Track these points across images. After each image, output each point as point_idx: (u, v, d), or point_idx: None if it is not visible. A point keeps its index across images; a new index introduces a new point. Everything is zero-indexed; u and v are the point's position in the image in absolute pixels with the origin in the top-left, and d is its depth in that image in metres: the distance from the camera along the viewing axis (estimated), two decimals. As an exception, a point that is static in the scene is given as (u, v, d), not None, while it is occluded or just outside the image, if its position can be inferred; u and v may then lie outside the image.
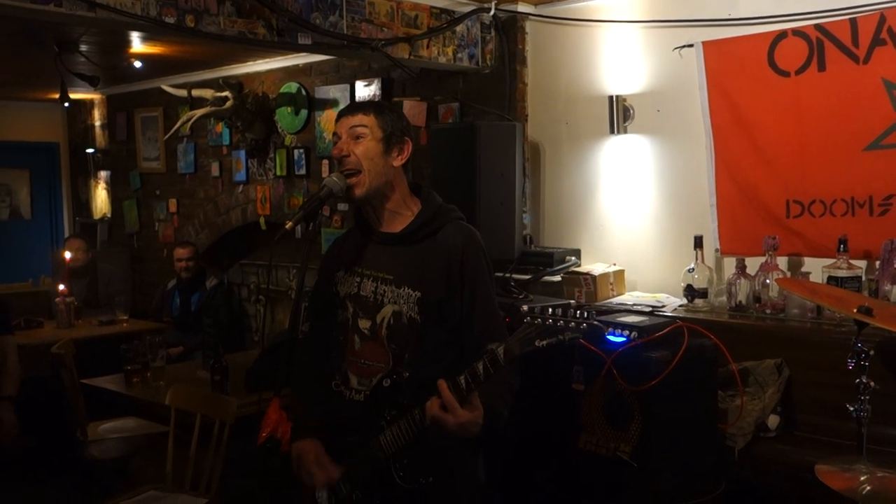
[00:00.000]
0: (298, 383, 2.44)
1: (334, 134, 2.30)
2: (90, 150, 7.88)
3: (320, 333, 2.41)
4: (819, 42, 3.44)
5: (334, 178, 2.34)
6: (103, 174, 7.84)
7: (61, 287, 5.82)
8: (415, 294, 2.20)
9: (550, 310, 1.88)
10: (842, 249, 3.25)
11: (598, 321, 1.89)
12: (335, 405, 2.30)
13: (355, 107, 2.30)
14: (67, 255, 6.21)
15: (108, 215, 7.77)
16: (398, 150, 2.26)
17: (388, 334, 2.21)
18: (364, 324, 2.25)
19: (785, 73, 3.55)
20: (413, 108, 4.89)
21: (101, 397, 4.26)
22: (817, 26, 3.44)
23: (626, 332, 2.96)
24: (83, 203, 8.18)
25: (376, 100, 2.29)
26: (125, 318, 5.91)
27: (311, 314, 2.50)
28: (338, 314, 2.33)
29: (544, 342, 1.87)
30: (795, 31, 3.50)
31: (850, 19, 3.36)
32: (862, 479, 2.23)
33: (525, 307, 1.95)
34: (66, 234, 7.78)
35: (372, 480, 2.19)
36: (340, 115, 2.29)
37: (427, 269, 2.21)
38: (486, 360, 1.95)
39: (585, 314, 1.86)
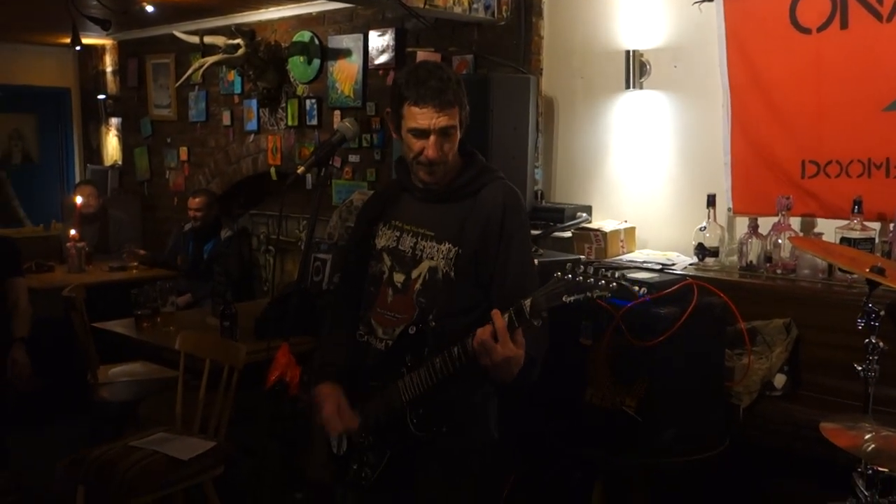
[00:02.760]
0: (326, 330, 2.46)
1: (410, 129, 2.15)
2: (101, 97, 7.85)
3: (352, 284, 2.42)
4: (843, -1, 3.37)
5: (347, 125, 2.33)
6: (114, 121, 7.82)
7: (72, 232, 5.84)
8: (454, 249, 2.20)
9: (582, 266, 1.86)
10: (856, 210, 3.23)
11: (627, 282, 1.86)
12: (359, 354, 2.33)
13: (444, 100, 2.12)
14: (78, 200, 6.22)
15: (119, 162, 7.77)
16: (465, 125, 2.24)
17: (421, 289, 2.22)
18: (398, 277, 2.26)
19: (806, 31, 3.48)
20: (427, 59, 4.84)
21: (112, 341, 4.30)
22: (842, -18, 3.37)
23: (636, 288, 2.95)
24: (94, 149, 8.17)
25: (444, 75, 2.14)
26: (141, 254, 5.97)
27: (345, 265, 2.51)
28: (372, 266, 2.34)
29: (571, 298, 1.86)
30: (819, -13, 3.43)
31: (875, -24, 3.29)
32: (867, 437, 2.24)
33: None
34: (77, 180, 7.78)
35: (386, 426, 2.22)
36: (422, 102, 2.11)
37: (468, 226, 2.21)
38: (513, 311, 1.95)
39: (615, 273, 1.85)
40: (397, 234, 2.30)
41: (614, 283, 1.84)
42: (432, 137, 2.15)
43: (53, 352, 4.78)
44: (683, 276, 3.20)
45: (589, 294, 1.85)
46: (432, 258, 2.22)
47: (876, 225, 3.31)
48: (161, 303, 4.21)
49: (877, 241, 3.25)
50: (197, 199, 5.87)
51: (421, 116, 2.13)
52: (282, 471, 3.54)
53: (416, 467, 2.23)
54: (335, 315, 2.48)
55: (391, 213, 2.34)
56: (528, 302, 1.94)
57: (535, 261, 3.15)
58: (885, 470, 2.27)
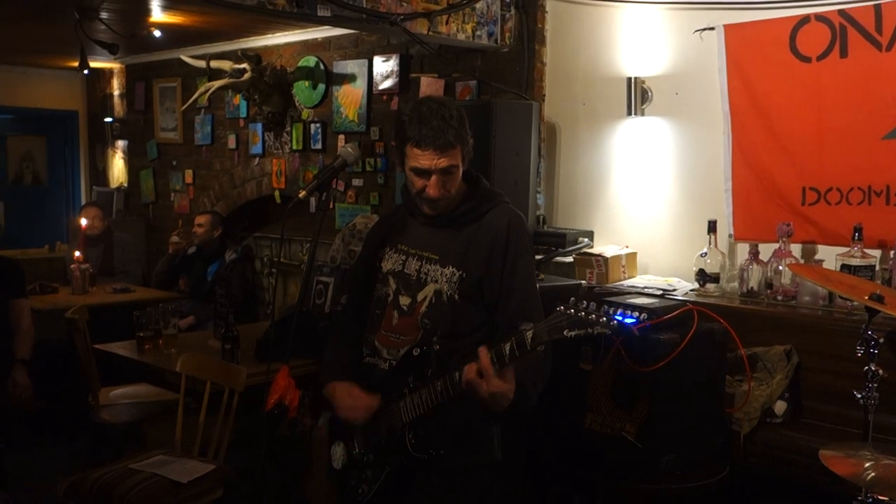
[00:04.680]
0: (331, 349, 2.50)
1: (412, 169, 2.20)
2: (108, 119, 7.92)
3: (358, 306, 2.46)
4: (842, 28, 3.40)
5: (349, 150, 2.37)
6: (121, 143, 7.87)
7: (77, 254, 5.87)
8: (458, 273, 2.24)
9: (584, 302, 1.90)
10: (856, 238, 3.24)
11: (629, 322, 1.91)
12: (364, 376, 2.36)
13: (444, 142, 2.17)
14: (84, 222, 6.25)
15: (125, 184, 7.82)
16: (468, 158, 2.28)
17: (426, 311, 2.25)
18: (404, 300, 2.30)
19: (806, 59, 3.51)
20: (430, 85, 4.88)
21: (114, 363, 4.31)
22: (841, 12, 3.40)
23: (636, 314, 2.95)
24: (100, 171, 8.23)
25: (446, 114, 2.17)
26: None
27: (351, 287, 2.54)
28: (378, 289, 2.37)
29: (573, 333, 1.90)
30: (818, 17, 3.46)
31: (874, 5, 3.32)
32: (867, 465, 2.23)
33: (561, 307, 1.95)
34: (83, 202, 7.83)
35: (386, 445, 2.24)
36: (424, 144, 2.16)
37: (472, 250, 2.25)
38: (514, 342, 1.99)
39: (617, 312, 1.89)
40: (403, 257, 2.34)
41: (615, 321, 1.87)
42: (434, 177, 2.20)
43: (55, 373, 4.79)
44: (684, 302, 3.20)
45: (590, 330, 1.89)
46: (437, 281, 2.25)
47: (876, 252, 3.31)
48: (163, 325, 4.22)
49: (877, 268, 3.26)
50: (202, 217, 5.91)
51: (423, 158, 2.18)
52: (281, 494, 3.53)
53: (414, 485, 2.25)
54: (340, 334, 2.52)
55: (397, 237, 2.38)
56: (529, 334, 1.97)
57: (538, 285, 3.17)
58: (885, 499, 2.25)
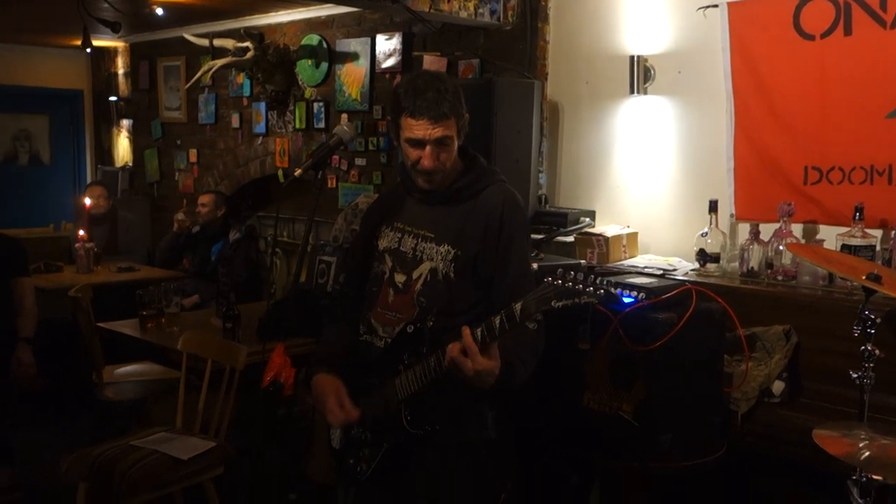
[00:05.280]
0: (328, 328, 2.51)
1: (406, 140, 2.20)
2: (113, 98, 7.91)
3: (355, 285, 2.47)
4: (846, 5, 3.37)
5: (345, 128, 2.37)
6: (125, 122, 7.88)
7: (81, 233, 5.88)
8: (453, 251, 2.24)
9: (572, 273, 1.90)
10: (857, 217, 3.22)
11: (614, 288, 1.90)
12: (360, 353, 2.37)
13: (439, 112, 2.16)
14: (88, 201, 6.27)
15: (130, 164, 7.83)
16: (463, 133, 2.27)
17: (421, 289, 2.26)
18: (399, 278, 2.31)
19: (810, 37, 3.48)
20: (433, 64, 4.86)
21: (118, 341, 4.34)
22: (845, -11, 3.37)
23: (634, 293, 2.95)
24: (105, 151, 8.24)
25: (441, 87, 2.18)
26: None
27: (349, 266, 2.55)
28: (374, 267, 2.38)
29: (560, 303, 1.90)
30: (822, -6, 3.43)
31: (879, -18, 3.28)
32: (861, 444, 2.23)
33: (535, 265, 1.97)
34: (88, 182, 7.85)
35: (383, 422, 2.26)
36: (418, 114, 2.16)
37: (467, 228, 2.25)
38: (504, 315, 2.00)
39: (604, 280, 1.88)
40: (399, 235, 2.34)
41: (602, 290, 1.86)
42: (428, 148, 2.19)
43: (59, 351, 4.82)
44: (683, 282, 3.19)
45: (577, 300, 1.88)
46: (432, 259, 2.26)
47: (877, 232, 3.30)
48: (165, 303, 4.24)
49: (878, 248, 3.24)
50: (206, 197, 5.92)
51: (417, 128, 2.17)
52: (281, 471, 3.56)
53: (412, 462, 2.26)
54: (337, 312, 2.53)
55: (394, 215, 2.39)
56: (518, 306, 1.98)
57: (536, 265, 3.17)
58: (879, 478, 2.25)
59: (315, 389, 2.33)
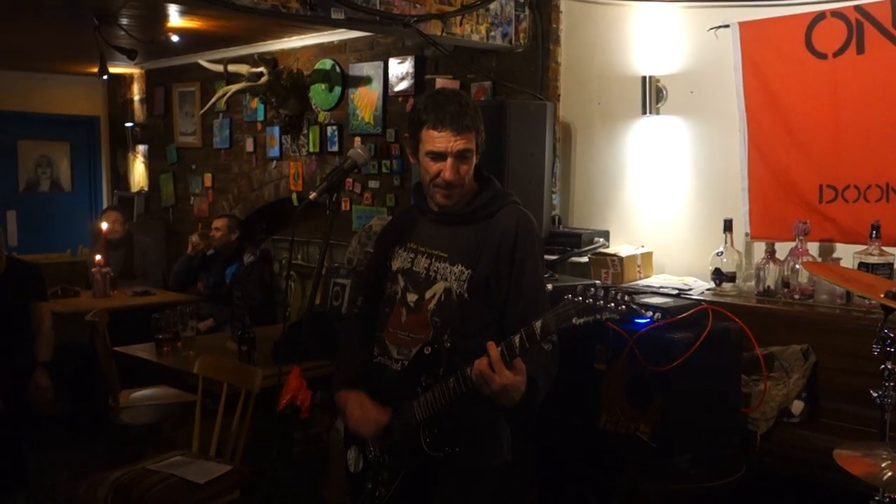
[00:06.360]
0: (342, 352, 2.51)
1: (428, 152, 2.21)
2: (129, 124, 8.00)
3: (370, 307, 2.47)
4: (858, 24, 3.37)
5: (359, 151, 2.38)
6: (141, 148, 7.95)
7: (98, 257, 5.93)
8: (467, 272, 2.24)
9: (592, 289, 1.89)
10: (874, 236, 3.20)
11: (636, 304, 1.89)
12: (374, 375, 2.37)
13: (461, 125, 2.19)
14: (104, 226, 6.32)
15: (145, 188, 7.90)
16: (481, 150, 2.29)
17: (435, 309, 2.25)
18: (411, 297, 2.31)
19: (822, 56, 3.48)
20: (446, 86, 4.89)
21: (134, 365, 4.35)
22: (857, 7, 3.37)
23: (650, 313, 2.94)
24: (121, 176, 8.32)
25: (461, 101, 2.21)
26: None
27: (362, 287, 2.55)
28: (387, 287, 2.39)
29: (581, 320, 1.89)
30: (834, 13, 3.43)
31: (891, 0, 3.28)
32: (883, 465, 2.20)
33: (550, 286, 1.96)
34: (105, 206, 7.91)
35: (401, 445, 2.25)
36: (441, 126, 2.18)
37: (481, 248, 2.25)
38: (523, 333, 1.99)
39: (624, 297, 1.87)
40: (412, 255, 2.35)
41: (623, 306, 1.85)
42: (450, 160, 2.20)
43: (77, 375, 4.84)
44: (699, 302, 3.18)
45: (598, 316, 1.87)
46: (446, 279, 2.26)
47: (894, 250, 3.27)
48: (181, 327, 4.26)
49: (895, 266, 3.22)
50: (220, 221, 5.96)
51: (439, 140, 2.19)
52: (297, 495, 3.55)
53: (430, 486, 2.25)
54: (351, 333, 2.52)
55: (407, 235, 2.39)
56: (538, 324, 1.97)
57: (550, 286, 3.16)
58: (902, 498, 2.23)
59: (341, 406, 2.34)
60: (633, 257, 3.90)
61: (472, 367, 2.05)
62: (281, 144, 6.17)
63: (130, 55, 5.65)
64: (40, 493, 4.19)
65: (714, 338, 2.88)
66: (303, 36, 5.82)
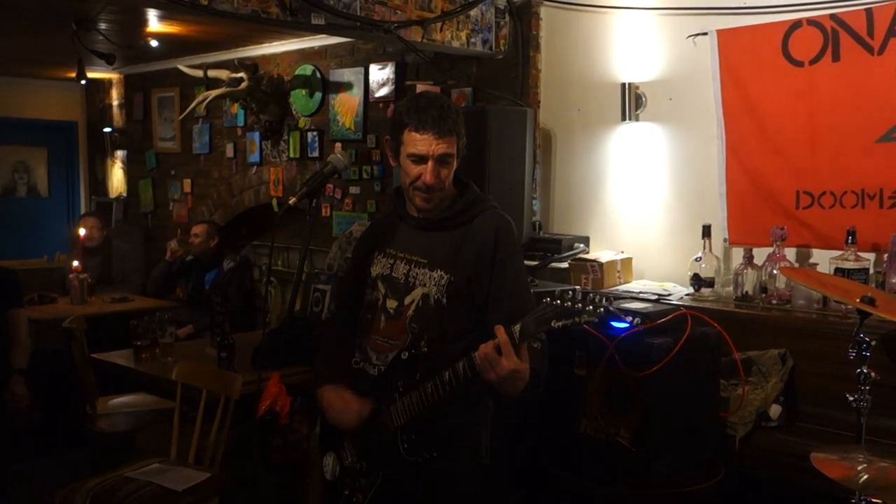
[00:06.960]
0: (321, 354, 2.50)
1: (410, 154, 2.20)
2: (107, 130, 7.94)
3: (348, 312, 2.46)
4: (834, 32, 3.41)
5: (339, 156, 2.38)
6: (120, 153, 7.90)
7: (75, 264, 5.88)
8: (446, 277, 2.23)
9: (570, 293, 1.90)
10: (850, 241, 3.24)
11: (614, 308, 1.90)
12: (354, 380, 2.36)
13: (443, 128, 2.18)
14: (82, 232, 6.27)
15: (124, 194, 7.84)
16: (462, 155, 2.29)
17: (413, 315, 2.25)
18: (391, 304, 2.30)
19: (799, 63, 3.52)
20: (427, 90, 4.89)
21: (112, 372, 4.31)
22: (833, 16, 3.41)
23: (629, 318, 2.96)
24: (100, 181, 8.26)
25: (444, 104, 2.16)
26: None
27: (341, 293, 2.55)
28: (367, 294, 2.38)
29: (560, 323, 1.90)
30: (810, 21, 3.47)
31: (865, 9, 3.33)
32: (859, 468, 2.22)
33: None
34: (83, 212, 7.85)
35: (378, 451, 2.24)
36: (423, 129, 2.18)
37: (460, 253, 2.25)
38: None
39: (603, 300, 1.88)
40: (391, 261, 2.34)
41: (601, 309, 1.86)
42: (430, 163, 2.20)
43: (53, 383, 4.79)
44: (678, 307, 3.20)
45: (577, 319, 1.88)
46: (425, 285, 2.25)
47: (870, 255, 3.31)
48: (160, 334, 4.22)
49: (871, 271, 3.26)
50: (199, 227, 5.93)
51: (421, 142, 2.18)
52: (276, 501, 3.53)
53: (407, 491, 2.24)
54: (330, 339, 2.51)
55: (386, 241, 2.39)
56: (517, 327, 1.97)
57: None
58: (879, 501, 2.25)
59: (323, 401, 2.33)
60: (612, 263, 3.92)
61: (476, 353, 2.04)
62: (261, 150, 6.15)
63: (109, 60, 5.62)
64: (16, 502, 4.14)
65: (693, 343, 2.90)
66: (283, 41, 5.81)
